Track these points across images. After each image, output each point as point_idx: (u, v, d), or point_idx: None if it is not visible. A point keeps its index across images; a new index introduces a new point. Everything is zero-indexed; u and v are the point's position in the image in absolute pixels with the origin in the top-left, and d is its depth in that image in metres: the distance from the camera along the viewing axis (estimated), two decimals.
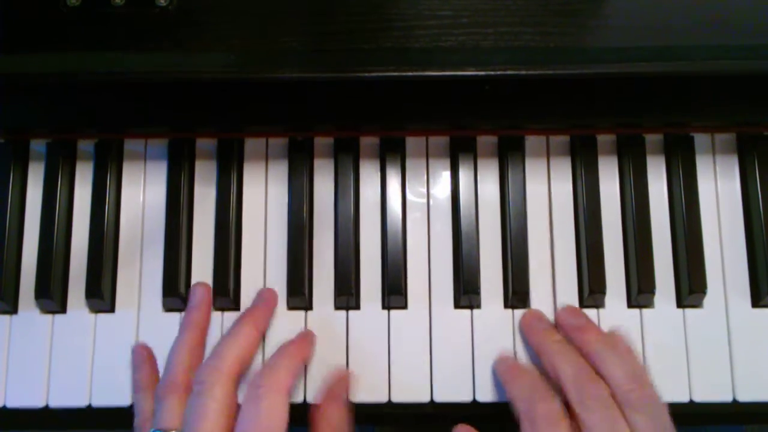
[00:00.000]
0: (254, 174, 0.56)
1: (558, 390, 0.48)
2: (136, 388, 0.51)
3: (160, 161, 0.56)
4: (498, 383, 0.52)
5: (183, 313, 0.53)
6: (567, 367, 0.48)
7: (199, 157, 0.56)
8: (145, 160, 0.56)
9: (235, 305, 0.54)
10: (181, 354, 0.50)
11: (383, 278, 0.54)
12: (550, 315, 0.54)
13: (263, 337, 0.53)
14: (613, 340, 0.50)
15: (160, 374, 0.52)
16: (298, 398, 0.52)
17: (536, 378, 0.49)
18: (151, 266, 0.54)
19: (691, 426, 0.54)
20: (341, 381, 0.52)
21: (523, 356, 0.53)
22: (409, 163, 0.56)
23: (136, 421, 0.50)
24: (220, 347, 0.49)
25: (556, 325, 0.53)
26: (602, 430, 0.45)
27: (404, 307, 0.54)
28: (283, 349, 0.51)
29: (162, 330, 0.53)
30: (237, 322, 0.51)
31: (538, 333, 0.52)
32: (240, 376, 0.49)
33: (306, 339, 0.53)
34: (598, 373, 0.48)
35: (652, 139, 0.56)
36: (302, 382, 0.52)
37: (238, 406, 0.47)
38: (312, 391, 0.52)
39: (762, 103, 0.51)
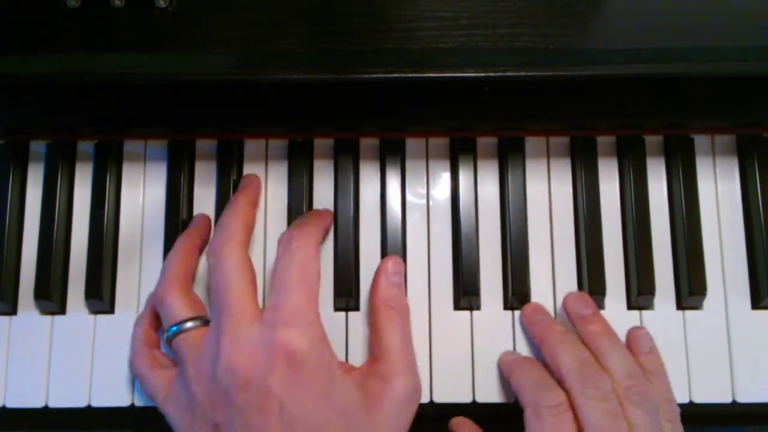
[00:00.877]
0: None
1: (558, 381, 0.48)
2: (135, 322, 0.52)
3: (159, 162, 0.56)
4: (498, 384, 0.52)
5: None
6: (570, 358, 0.48)
7: (199, 158, 0.56)
8: (144, 161, 0.56)
9: None
10: (174, 258, 0.51)
11: None
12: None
13: None
14: (635, 336, 0.51)
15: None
16: None
17: (541, 368, 0.49)
18: (150, 267, 0.54)
19: (690, 427, 0.54)
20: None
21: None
22: (409, 165, 0.56)
23: (131, 353, 0.51)
24: (223, 223, 0.50)
25: (563, 309, 0.52)
26: (602, 423, 0.45)
27: None
28: (306, 214, 0.52)
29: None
30: (231, 201, 0.52)
31: (541, 324, 0.51)
32: (248, 243, 0.50)
33: (324, 211, 0.54)
34: (600, 365, 0.48)
35: (652, 140, 0.56)
36: None
37: None
38: None
39: (762, 105, 0.51)
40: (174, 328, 0.48)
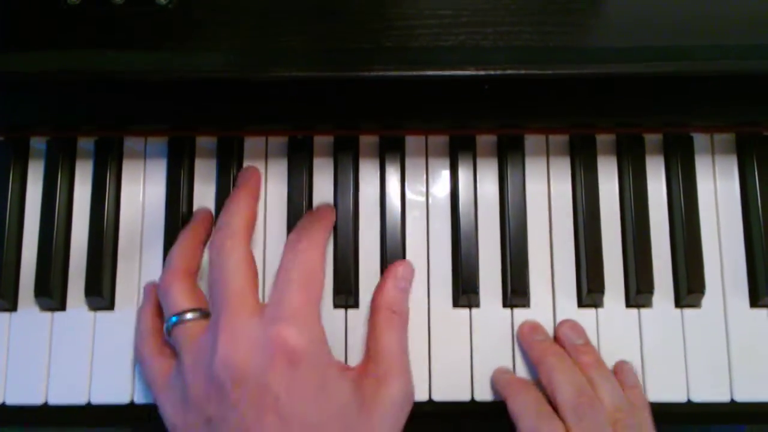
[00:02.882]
0: None
1: (550, 398, 0.49)
2: (140, 309, 0.52)
3: (159, 159, 0.56)
4: None
5: None
6: (566, 386, 0.48)
7: (199, 156, 0.56)
8: (145, 158, 0.56)
9: None
10: (179, 250, 0.51)
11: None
12: (549, 316, 0.54)
13: None
14: (622, 369, 0.52)
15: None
16: None
17: (539, 394, 0.49)
18: (150, 264, 0.54)
19: (688, 426, 0.54)
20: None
21: (521, 357, 0.53)
22: (409, 162, 0.56)
23: (136, 338, 0.51)
24: (225, 217, 0.50)
25: (555, 338, 0.53)
26: None
27: None
28: (312, 213, 0.52)
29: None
30: (232, 195, 0.52)
31: (537, 345, 0.52)
32: (250, 237, 0.50)
33: (328, 207, 0.54)
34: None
35: (652, 138, 0.56)
36: None
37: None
38: None
39: (761, 104, 0.51)
40: (174, 319, 0.48)
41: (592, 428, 0.46)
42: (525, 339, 0.52)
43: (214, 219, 0.54)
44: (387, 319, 0.49)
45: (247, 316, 0.45)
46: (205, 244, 0.53)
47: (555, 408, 0.48)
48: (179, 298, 0.48)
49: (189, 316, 0.47)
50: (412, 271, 0.53)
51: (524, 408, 0.48)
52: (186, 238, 0.52)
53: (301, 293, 0.46)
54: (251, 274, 0.47)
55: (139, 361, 0.51)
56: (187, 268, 0.50)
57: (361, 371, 0.48)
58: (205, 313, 0.48)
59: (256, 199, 0.53)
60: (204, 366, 0.45)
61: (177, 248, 0.51)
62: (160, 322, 0.51)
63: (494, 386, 0.52)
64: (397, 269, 0.52)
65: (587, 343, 0.52)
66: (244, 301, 0.46)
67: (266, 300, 0.53)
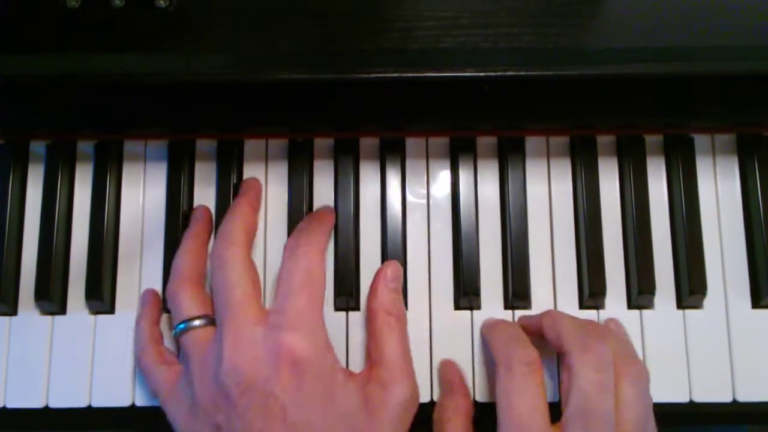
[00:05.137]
0: (254, 175, 0.55)
1: (559, 354, 0.48)
2: (138, 319, 0.52)
3: (159, 162, 0.56)
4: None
5: None
6: (572, 324, 0.47)
7: (199, 159, 0.56)
8: (144, 161, 0.56)
9: None
10: (185, 256, 0.51)
11: None
12: None
13: None
14: (613, 326, 0.52)
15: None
16: None
17: (518, 329, 0.49)
18: (151, 267, 0.54)
19: (690, 426, 0.54)
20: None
21: None
22: (409, 164, 0.56)
23: (136, 349, 0.50)
24: (226, 227, 0.50)
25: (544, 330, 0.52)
26: (589, 391, 0.43)
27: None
28: (311, 216, 0.52)
29: (162, 330, 0.53)
30: (232, 206, 0.52)
31: (534, 316, 0.51)
32: (251, 247, 0.50)
33: (327, 209, 0.53)
34: None
35: (652, 139, 0.56)
36: None
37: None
38: None
39: (762, 104, 0.51)
40: (182, 326, 0.48)
41: (593, 367, 0.44)
42: (522, 320, 0.52)
43: (213, 218, 0.54)
44: (385, 323, 0.49)
45: (251, 325, 0.45)
46: (208, 244, 0.53)
47: (560, 354, 0.47)
48: (187, 305, 0.48)
49: (197, 323, 0.48)
50: (400, 271, 0.52)
51: (501, 338, 0.48)
52: (189, 242, 0.52)
53: (303, 299, 0.46)
54: (253, 282, 0.48)
55: (142, 371, 0.51)
56: (194, 273, 0.50)
57: (365, 377, 0.48)
58: (212, 320, 0.49)
59: (257, 208, 0.53)
60: (211, 374, 0.45)
61: (182, 253, 0.51)
62: (158, 330, 0.51)
63: (481, 334, 0.52)
64: (386, 271, 0.51)
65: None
66: (247, 309, 0.46)
67: (268, 304, 0.53)
